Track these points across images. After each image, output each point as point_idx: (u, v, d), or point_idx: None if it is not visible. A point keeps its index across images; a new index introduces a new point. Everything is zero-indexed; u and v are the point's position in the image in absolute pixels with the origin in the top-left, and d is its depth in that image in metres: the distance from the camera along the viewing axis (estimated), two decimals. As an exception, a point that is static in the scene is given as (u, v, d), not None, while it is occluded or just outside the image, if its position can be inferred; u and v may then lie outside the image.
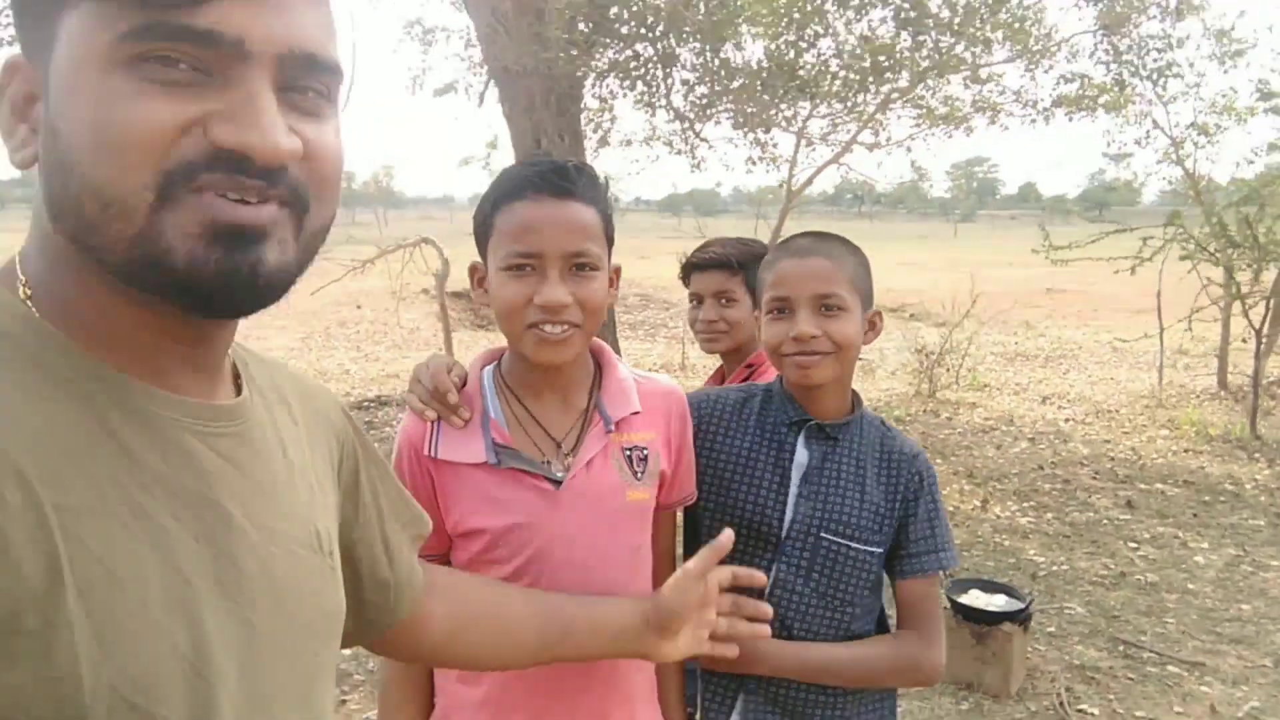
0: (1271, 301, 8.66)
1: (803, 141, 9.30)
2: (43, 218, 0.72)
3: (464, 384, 1.56)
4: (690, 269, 2.63)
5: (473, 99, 8.02)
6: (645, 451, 1.57)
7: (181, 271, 0.68)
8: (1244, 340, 8.62)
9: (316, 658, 0.86)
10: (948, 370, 10.05)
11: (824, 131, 9.56)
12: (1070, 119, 8.64)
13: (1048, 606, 4.80)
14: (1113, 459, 7.69)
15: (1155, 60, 8.42)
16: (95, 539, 0.65)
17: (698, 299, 2.59)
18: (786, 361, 1.71)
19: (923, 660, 1.71)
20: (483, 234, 1.51)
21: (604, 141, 9.02)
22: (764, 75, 6.96)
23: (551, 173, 1.44)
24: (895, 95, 8.47)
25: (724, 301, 2.53)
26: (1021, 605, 4.00)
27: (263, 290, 0.72)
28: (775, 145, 9.67)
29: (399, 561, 1.13)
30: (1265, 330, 8.50)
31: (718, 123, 8.73)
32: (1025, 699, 3.91)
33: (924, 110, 9.20)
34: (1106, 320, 16.51)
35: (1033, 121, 9.10)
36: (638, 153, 13.87)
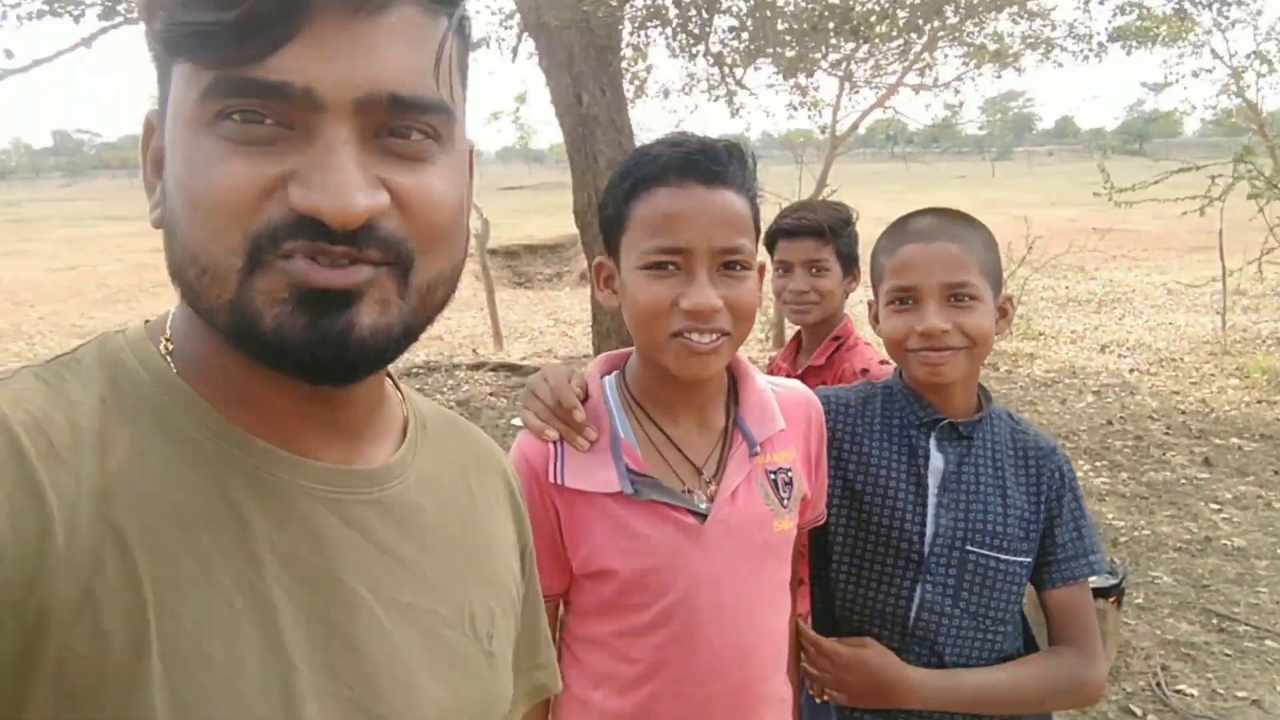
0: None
1: (846, 85, 8.95)
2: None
3: (586, 396, 1.37)
4: (776, 235, 2.43)
5: (505, 54, 7.73)
6: (790, 474, 1.40)
7: (271, 338, 0.65)
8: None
9: None
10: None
11: (868, 75, 9.20)
12: (1128, 53, 8.19)
13: (1134, 576, 4.57)
14: (1184, 412, 7.37)
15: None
16: (190, 613, 0.63)
17: (785, 267, 2.42)
18: (912, 357, 1.56)
19: (1086, 677, 1.55)
20: (613, 225, 1.31)
21: (640, 91, 8.70)
22: (814, 18, 6.59)
23: (700, 154, 1.24)
24: (942, 33, 8.07)
25: (815, 271, 2.37)
26: (1115, 580, 3.77)
27: (355, 355, 0.67)
28: (817, 89, 9.34)
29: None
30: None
31: (758, 68, 8.40)
32: (1120, 679, 3.69)
33: (971, 48, 8.80)
34: (1158, 260, 16.01)
35: (1085, 58, 8.69)
36: (675, 103, 13.52)
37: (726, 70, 7.98)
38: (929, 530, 1.56)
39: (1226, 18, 8.56)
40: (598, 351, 7.09)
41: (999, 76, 9.09)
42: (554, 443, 1.33)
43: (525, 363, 8.88)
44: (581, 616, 1.38)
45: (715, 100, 8.71)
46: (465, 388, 8.36)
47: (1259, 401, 7.59)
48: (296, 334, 0.65)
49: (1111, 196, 8.26)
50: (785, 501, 1.37)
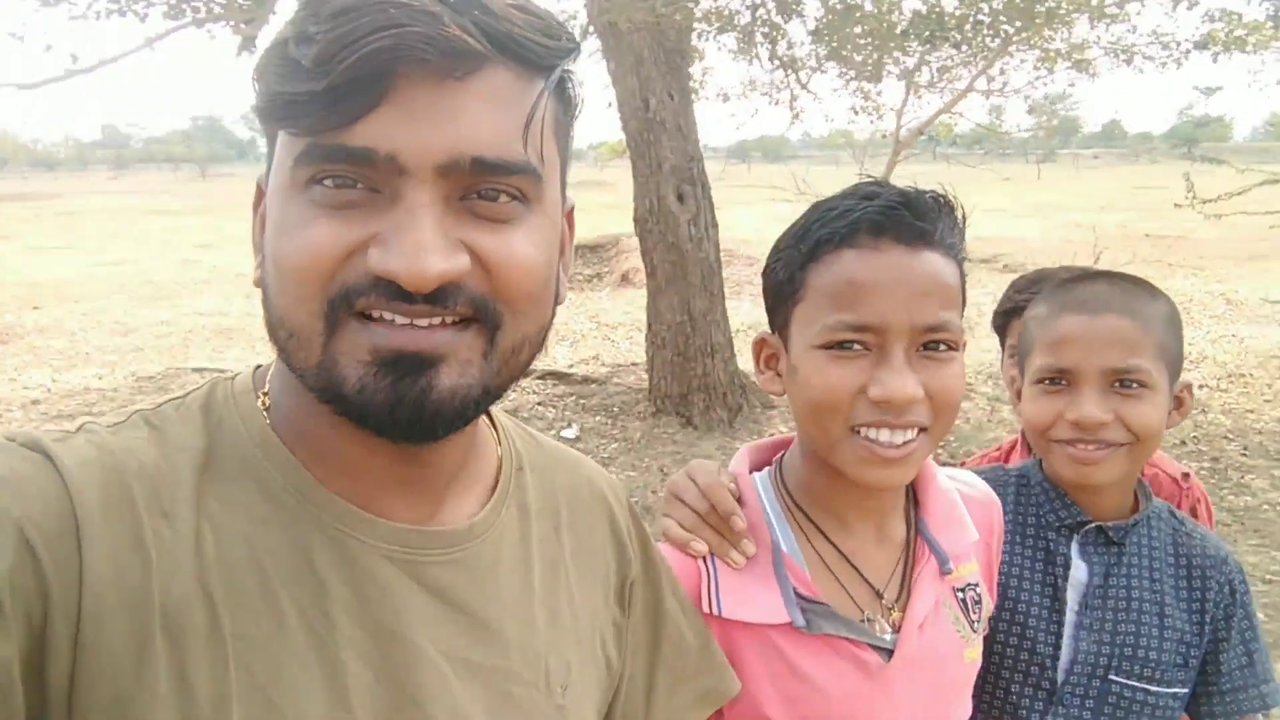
0: None
1: (911, 90, 8.71)
2: None
3: (739, 499, 1.13)
4: (1012, 314, 1.97)
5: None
6: (979, 590, 1.18)
7: (355, 400, 0.67)
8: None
9: None
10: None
11: (932, 80, 8.96)
12: (1215, 60, 7.87)
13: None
14: (1260, 431, 7.04)
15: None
16: (264, 669, 0.65)
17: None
18: (1059, 450, 1.32)
19: None
20: (783, 293, 1.08)
21: (697, 94, 8.51)
22: (904, 23, 6.35)
23: (901, 208, 1.00)
24: (1018, 38, 7.79)
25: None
26: None
27: (433, 416, 0.68)
28: (879, 94, 9.14)
29: (653, 714, 0.97)
30: None
31: (824, 72, 8.18)
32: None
33: (1046, 54, 8.53)
34: (1215, 269, 15.58)
35: (1164, 65, 8.38)
36: (734, 106, 13.31)
37: (793, 74, 7.76)
38: (1065, 655, 1.30)
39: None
40: (652, 363, 6.89)
41: (1073, 85, 8.80)
42: (704, 559, 1.09)
43: (573, 370, 8.68)
44: None
45: (776, 104, 8.50)
46: (512, 396, 8.16)
47: (1342, 423, 7.26)
48: (379, 395, 0.66)
49: (1195, 207, 7.91)
50: (975, 624, 1.15)
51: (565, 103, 0.75)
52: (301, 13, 0.64)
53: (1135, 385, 1.27)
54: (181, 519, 0.66)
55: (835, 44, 6.85)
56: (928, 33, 6.35)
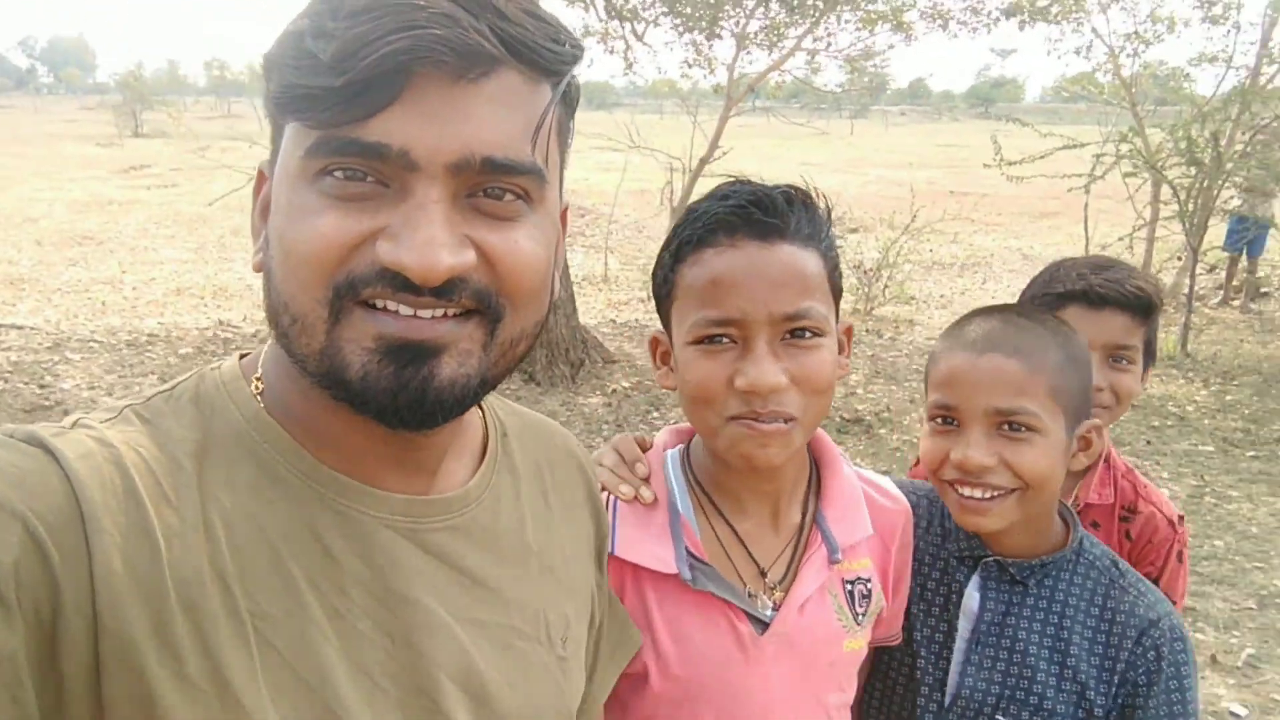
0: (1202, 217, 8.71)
1: (745, 49, 8.86)
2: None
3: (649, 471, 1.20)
4: (1068, 300, 1.66)
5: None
6: (869, 585, 1.21)
7: (357, 387, 0.69)
8: (1179, 258, 8.68)
9: None
10: (884, 285, 9.85)
11: (760, 37, 9.13)
12: (1021, 28, 8.38)
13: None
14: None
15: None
16: (286, 644, 0.68)
17: None
18: (950, 496, 1.27)
19: None
20: (663, 295, 1.15)
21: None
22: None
23: (751, 205, 1.05)
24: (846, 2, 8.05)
25: (1116, 360, 1.64)
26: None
27: (433, 405, 0.71)
28: (711, 48, 9.25)
29: (598, 671, 1.03)
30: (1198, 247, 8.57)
31: (657, 24, 8.20)
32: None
33: (867, 15, 8.85)
34: (1011, 226, 16.70)
35: (974, 31, 8.87)
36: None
37: (628, 25, 7.73)
38: (951, 685, 1.31)
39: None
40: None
41: (891, 47, 9.18)
42: (610, 508, 1.16)
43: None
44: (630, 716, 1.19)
45: (610, 54, 8.47)
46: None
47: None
48: (381, 383, 0.68)
49: (1001, 168, 8.45)
50: (860, 617, 1.19)
51: (568, 106, 0.78)
52: (319, 6, 0.66)
53: (1023, 429, 1.22)
54: (187, 505, 0.68)
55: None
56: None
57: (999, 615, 1.30)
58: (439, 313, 0.69)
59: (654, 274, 1.16)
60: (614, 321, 9.07)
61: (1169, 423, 6.77)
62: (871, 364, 7.92)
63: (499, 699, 0.80)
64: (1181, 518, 1.68)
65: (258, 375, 0.77)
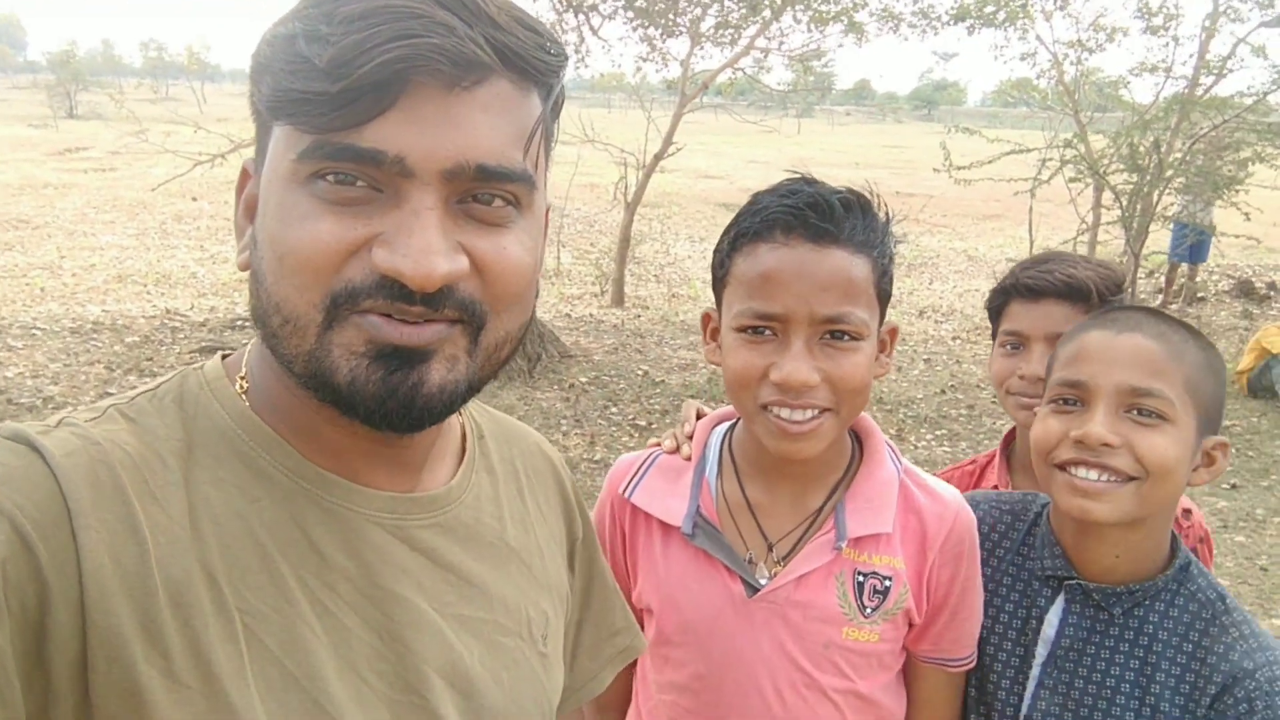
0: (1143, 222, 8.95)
1: (697, 44, 8.89)
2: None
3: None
4: (1009, 294, 1.70)
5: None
6: (887, 583, 1.21)
7: (345, 390, 0.70)
8: (1120, 262, 8.90)
9: None
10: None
11: (716, 34, 9.17)
12: (970, 32, 8.52)
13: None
14: (1003, 380, 7.82)
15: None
16: (276, 640, 0.69)
17: (1016, 341, 1.68)
18: (1059, 479, 1.20)
19: None
20: (718, 277, 1.22)
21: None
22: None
23: (810, 208, 1.10)
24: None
25: None
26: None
27: (421, 409, 0.71)
28: (665, 43, 9.27)
29: (577, 668, 1.05)
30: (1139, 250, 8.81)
31: (613, 18, 8.20)
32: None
33: (819, 15, 8.93)
34: (955, 227, 17.00)
35: (924, 33, 9.01)
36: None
37: (583, 18, 7.70)
38: (1025, 706, 1.27)
39: (1065, 7, 9.06)
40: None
41: (841, 45, 9.27)
42: (641, 464, 1.31)
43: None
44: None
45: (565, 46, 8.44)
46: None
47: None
48: (370, 387, 0.69)
49: (950, 172, 8.60)
50: (867, 611, 1.20)
51: (554, 112, 0.79)
52: (311, 10, 0.66)
53: (1153, 414, 1.16)
54: (174, 503, 0.68)
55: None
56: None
57: (1079, 642, 1.24)
58: (429, 318, 0.70)
59: (714, 255, 1.22)
60: (569, 316, 9.06)
61: (1112, 422, 6.95)
62: (824, 362, 8.01)
63: (485, 694, 0.81)
64: (1189, 510, 1.62)
65: (242, 375, 0.77)
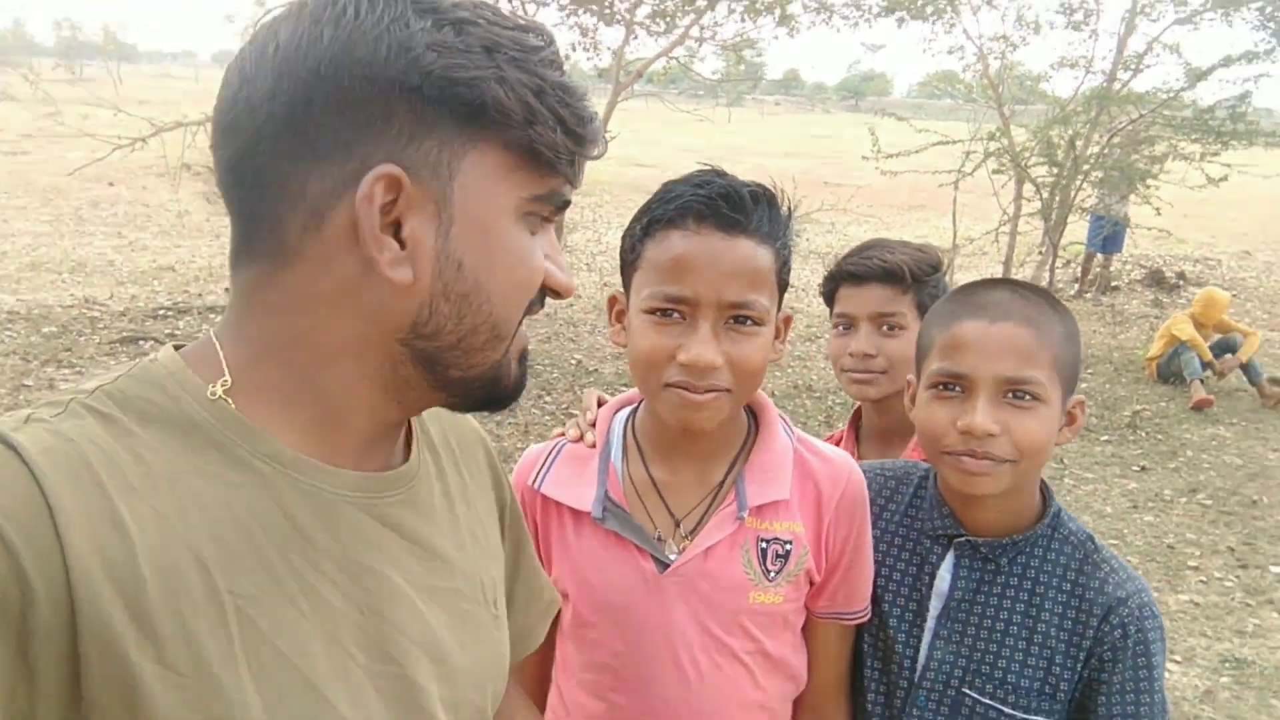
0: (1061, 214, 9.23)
1: (632, 34, 8.90)
2: (347, 324, 0.77)
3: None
4: (838, 280, 1.87)
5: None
6: (787, 546, 1.28)
7: (513, 388, 0.85)
8: (1040, 252, 9.17)
9: (481, 713, 0.91)
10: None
11: (650, 22, 9.19)
12: (900, 25, 8.67)
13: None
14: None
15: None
16: (268, 622, 0.71)
17: (847, 322, 1.84)
18: (948, 461, 1.30)
19: None
20: (629, 261, 1.26)
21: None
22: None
23: (721, 198, 1.16)
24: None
25: (886, 328, 1.80)
26: None
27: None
28: (597, 31, 9.27)
29: (514, 625, 1.10)
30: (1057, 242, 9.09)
31: (547, 4, 8.17)
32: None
33: (752, 5, 9.01)
34: (882, 217, 17.26)
35: (854, 25, 9.15)
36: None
37: (518, 3, 7.66)
38: (920, 660, 1.36)
39: (988, 2, 9.27)
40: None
41: (776, 37, 9.36)
42: (547, 454, 1.35)
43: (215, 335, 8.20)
44: (562, 633, 1.36)
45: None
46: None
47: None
48: (520, 382, 0.87)
49: (879, 164, 8.76)
50: (771, 575, 1.27)
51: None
52: (549, 73, 0.76)
53: (1027, 397, 1.26)
54: (155, 494, 0.69)
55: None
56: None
57: (969, 593, 1.34)
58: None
59: (624, 239, 1.27)
60: (500, 304, 9.02)
61: (1031, 408, 7.17)
62: (755, 350, 8.11)
63: (454, 658, 0.86)
64: None
65: (225, 371, 0.77)
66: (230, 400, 0.76)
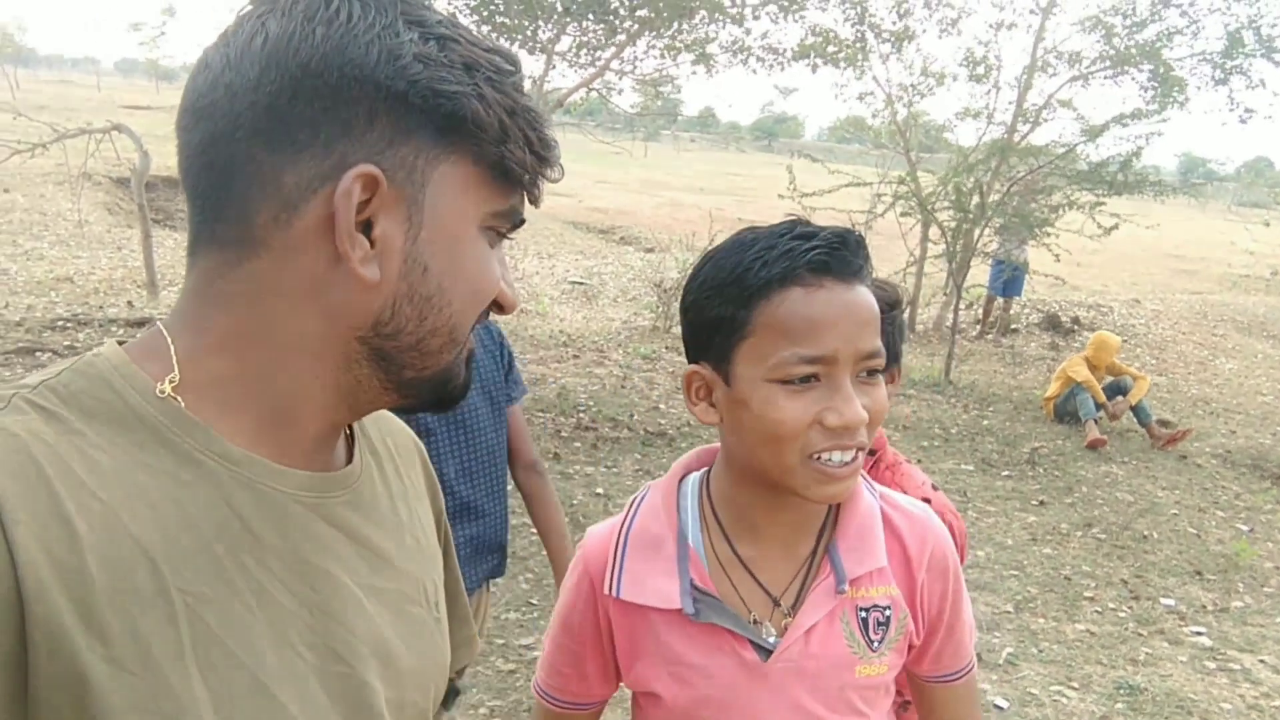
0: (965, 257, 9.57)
1: (551, 64, 8.95)
2: (309, 319, 0.76)
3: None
4: None
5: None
6: (887, 612, 1.20)
7: (461, 388, 0.86)
8: (945, 293, 9.47)
9: (424, 715, 0.92)
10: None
11: (572, 54, 9.26)
12: (813, 70, 8.92)
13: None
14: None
15: (894, 24, 8.86)
16: (217, 620, 0.71)
17: None
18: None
19: None
20: (724, 330, 1.10)
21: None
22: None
23: (834, 247, 1.07)
24: (656, 21, 8.31)
25: None
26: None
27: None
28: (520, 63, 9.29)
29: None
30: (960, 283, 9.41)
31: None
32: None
33: (672, 43, 9.16)
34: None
35: (770, 68, 9.37)
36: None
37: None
38: None
39: (901, 53, 9.60)
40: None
41: (694, 74, 9.52)
42: (614, 547, 1.21)
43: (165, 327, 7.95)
44: None
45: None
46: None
47: (896, 395, 8.63)
48: (466, 382, 0.87)
49: (797, 199, 8.95)
50: (875, 645, 1.19)
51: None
52: (519, 98, 0.79)
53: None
54: (103, 490, 0.68)
55: (488, 10, 6.86)
56: (573, 4, 6.56)
57: None
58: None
59: (703, 306, 1.12)
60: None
61: (935, 443, 7.38)
62: (672, 380, 8.17)
63: (400, 660, 0.87)
64: (927, 501, 1.64)
65: (174, 366, 0.76)
66: (179, 397, 0.75)
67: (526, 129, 0.78)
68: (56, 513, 0.65)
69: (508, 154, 0.77)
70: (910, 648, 1.25)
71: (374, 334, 0.78)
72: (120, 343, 0.79)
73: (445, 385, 0.84)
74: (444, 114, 0.74)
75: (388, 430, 1.03)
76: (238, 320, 0.76)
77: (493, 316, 0.90)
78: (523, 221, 0.84)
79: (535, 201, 0.84)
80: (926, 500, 1.61)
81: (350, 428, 0.93)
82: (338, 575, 0.81)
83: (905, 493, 1.55)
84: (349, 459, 0.90)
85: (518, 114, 0.77)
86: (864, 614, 1.19)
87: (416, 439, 1.09)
